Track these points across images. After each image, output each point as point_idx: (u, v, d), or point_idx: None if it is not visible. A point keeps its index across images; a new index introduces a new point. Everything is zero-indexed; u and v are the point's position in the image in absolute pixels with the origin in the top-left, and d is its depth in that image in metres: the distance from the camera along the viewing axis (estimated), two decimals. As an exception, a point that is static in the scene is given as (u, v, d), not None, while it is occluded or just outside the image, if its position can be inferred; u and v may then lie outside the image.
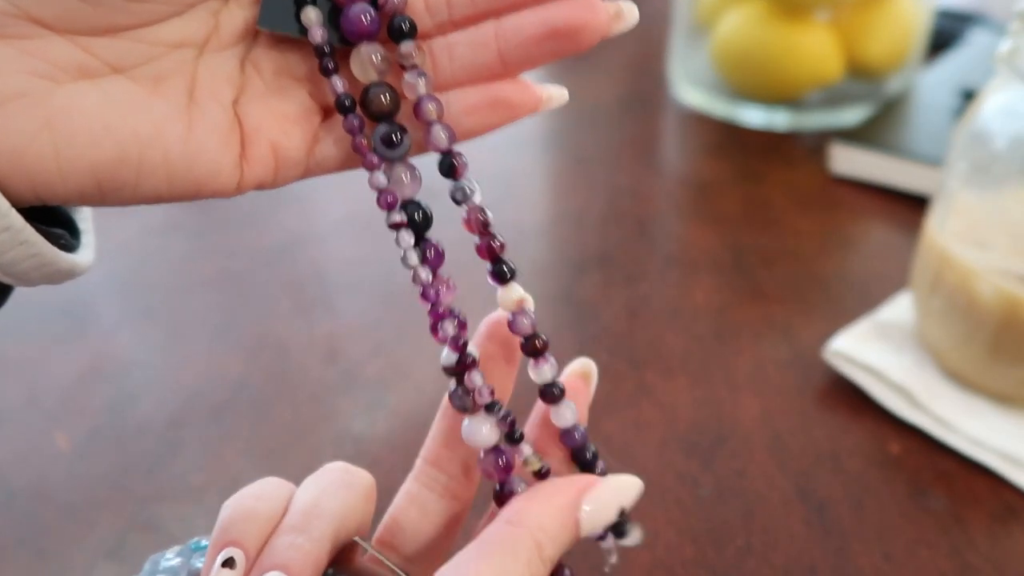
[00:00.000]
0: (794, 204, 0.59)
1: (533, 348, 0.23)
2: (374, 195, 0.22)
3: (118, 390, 0.45)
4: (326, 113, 0.22)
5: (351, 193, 0.62)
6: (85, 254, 0.23)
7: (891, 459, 0.39)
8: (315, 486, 0.24)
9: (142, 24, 0.20)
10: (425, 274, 0.23)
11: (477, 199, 0.23)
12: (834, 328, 0.45)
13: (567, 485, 0.22)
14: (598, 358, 0.45)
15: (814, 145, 0.67)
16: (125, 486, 0.39)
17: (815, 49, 0.66)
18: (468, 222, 0.23)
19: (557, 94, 0.23)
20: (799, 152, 0.66)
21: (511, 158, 0.67)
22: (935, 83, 0.70)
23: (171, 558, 0.24)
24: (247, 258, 0.55)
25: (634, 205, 0.60)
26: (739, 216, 0.58)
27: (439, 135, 0.22)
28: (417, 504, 0.25)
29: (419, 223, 0.23)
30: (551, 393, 0.23)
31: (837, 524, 0.35)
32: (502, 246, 0.23)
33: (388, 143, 0.22)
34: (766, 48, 0.67)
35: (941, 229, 0.40)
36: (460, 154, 0.22)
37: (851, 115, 0.69)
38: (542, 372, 0.24)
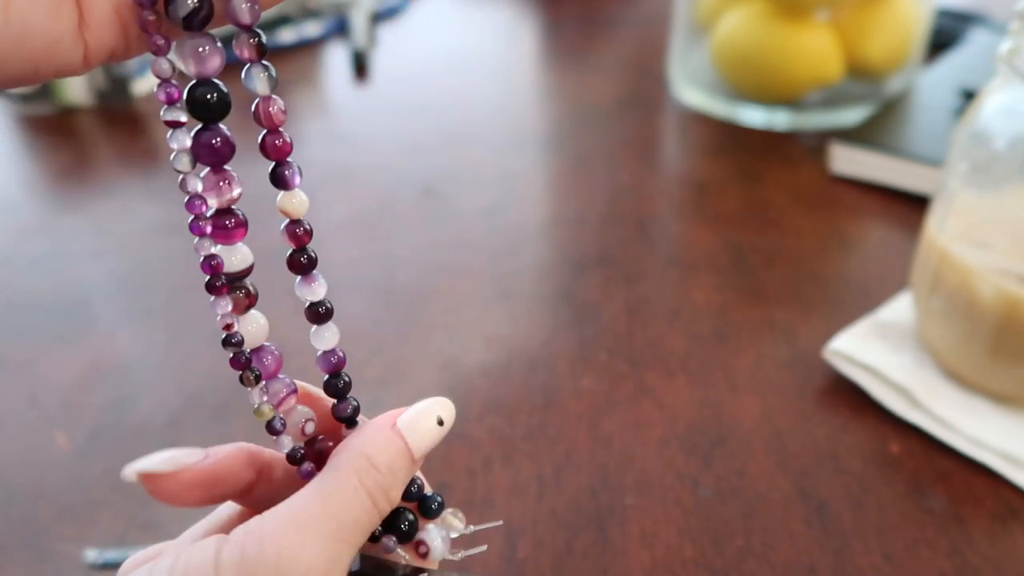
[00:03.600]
0: (794, 204, 0.59)
1: (299, 264, 0.22)
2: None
3: (118, 390, 0.45)
4: None
5: (351, 193, 0.62)
6: None
7: (891, 459, 0.39)
8: None
9: None
10: (193, 183, 0.20)
11: (269, 92, 0.20)
12: (834, 328, 0.45)
13: (380, 417, 0.23)
14: (598, 358, 0.45)
15: (814, 145, 0.67)
16: (125, 486, 0.39)
17: (815, 49, 0.66)
18: (256, 115, 0.20)
19: None
20: (799, 152, 0.66)
21: (511, 158, 0.67)
22: (935, 83, 0.70)
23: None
24: (247, 258, 0.55)
25: (634, 205, 0.60)
26: (739, 216, 0.58)
27: (240, 6, 0.18)
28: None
29: (212, 105, 0.19)
30: (317, 312, 0.23)
31: (837, 524, 0.35)
32: (288, 145, 0.20)
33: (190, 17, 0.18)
34: (766, 48, 0.67)
35: (941, 229, 0.40)
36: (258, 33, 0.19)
37: (851, 115, 0.69)
38: (312, 290, 0.23)
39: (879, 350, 0.42)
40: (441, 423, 0.24)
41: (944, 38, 0.81)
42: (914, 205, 0.57)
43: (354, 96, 0.80)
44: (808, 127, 0.69)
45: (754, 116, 0.70)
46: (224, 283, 0.21)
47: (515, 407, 0.42)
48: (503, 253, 0.55)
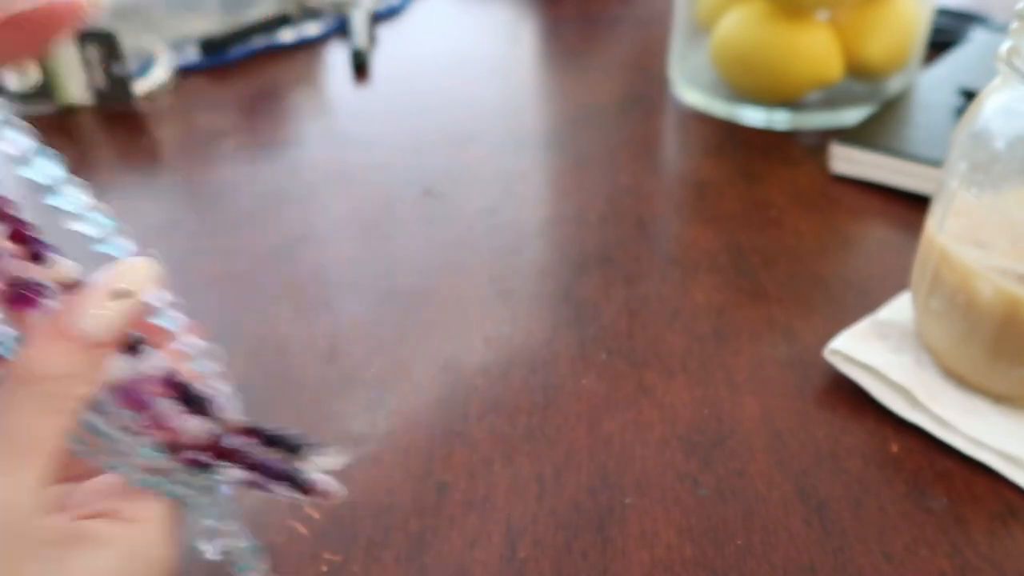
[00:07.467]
0: (794, 204, 0.59)
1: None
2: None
3: (118, 390, 0.45)
4: None
5: (351, 193, 0.62)
6: None
7: (891, 459, 0.39)
8: None
9: None
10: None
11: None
12: (834, 328, 0.45)
13: (49, 319, 0.22)
14: (598, 358, 0.45)
15: (814, 145, 0.67)
16: (125, 486, 0.39)
17: (815, 49, 0.66)
18: None
19: None
20: (799, 152, 0.66)
21: (511, 158, 0.67)
22: (935, 83, 0.70)
23: None
24: (247, 258, 0.55)
25: (634, 205, 0.60)
26: (739, 216, 0.58)
27: None
28: None
29: None
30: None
31: (837, 524, 0.35)
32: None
33: None
34: (766, 48, 0.67)
35: (941, 229, 0.40)
36: None
37: (851, 115, 0.69)
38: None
39: (879, 350, 0.42)
40: (126, 295, 0.22)
41: (944, 38, 0.81)
42: (914, 205, 0.57)
43: (354, 96, 0.80)
44: (808, 127, 0.69)
45: (754, 116, 0.70)
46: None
47: (515, 407, 0.42)
48: (503, 253, 0.55)
